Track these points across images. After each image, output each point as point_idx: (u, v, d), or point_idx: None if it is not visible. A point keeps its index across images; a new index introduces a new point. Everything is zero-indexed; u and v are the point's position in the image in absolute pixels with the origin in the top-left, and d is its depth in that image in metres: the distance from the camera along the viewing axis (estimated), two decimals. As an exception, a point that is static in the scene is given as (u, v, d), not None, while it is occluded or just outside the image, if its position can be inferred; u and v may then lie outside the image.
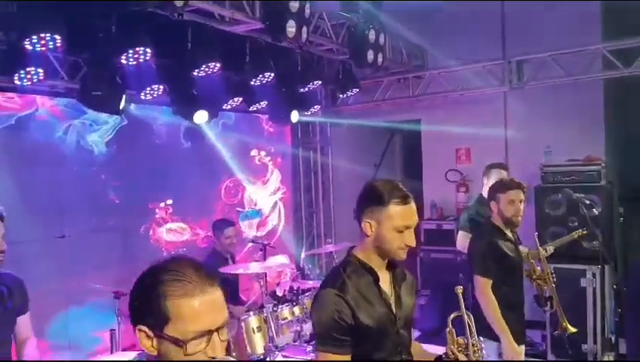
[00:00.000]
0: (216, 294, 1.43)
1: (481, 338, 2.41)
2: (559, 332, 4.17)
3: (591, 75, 6.11)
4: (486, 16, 6.92)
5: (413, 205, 2.20)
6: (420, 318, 6.64)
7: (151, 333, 1.39)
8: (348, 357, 2.14)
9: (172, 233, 6.19)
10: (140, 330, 1.40)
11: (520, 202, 3.75)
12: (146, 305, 1.39)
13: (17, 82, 4.07)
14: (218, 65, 4.83)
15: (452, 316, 2.39)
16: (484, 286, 3.63)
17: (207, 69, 4.84)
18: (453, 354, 2.28)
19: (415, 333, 4.68)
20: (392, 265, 2.32)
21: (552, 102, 6.50)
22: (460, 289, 2.38)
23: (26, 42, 3.79)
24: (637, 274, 5.56)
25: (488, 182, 4.99)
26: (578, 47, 6.08)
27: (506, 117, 7.17)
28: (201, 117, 5.44)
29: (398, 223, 2.16)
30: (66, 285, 4.92)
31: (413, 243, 2.20)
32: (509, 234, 3.82)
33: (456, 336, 2.34)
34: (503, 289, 3.66)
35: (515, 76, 6.56)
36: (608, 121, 6.57)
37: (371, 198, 2.21)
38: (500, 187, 3.84)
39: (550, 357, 5.89)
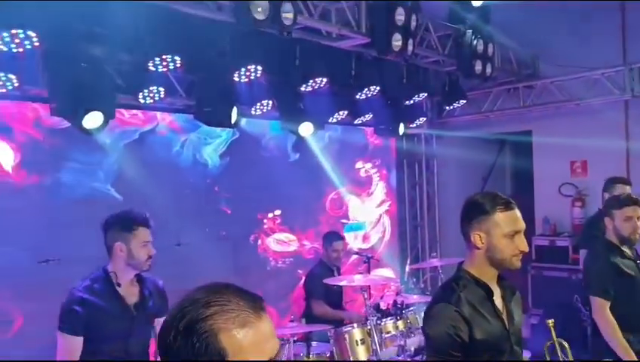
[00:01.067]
0: (268, 320, 1.27)
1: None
2: None
3: None
4: (603, 20, 6.53)
5: (517, 210, 2.20)
6: (531, 338, 6.33)
7: None
8: None
9: (280, 243, 6.38)
10: None
11: (638, 219, 3.49)
12: (195, 344, 1.19)
13: (141, 100, 4.41)
14: (325, 80, 4.96)
15: (547, 344, 2.32)
16: (601, 308, 3.42)
17: (314, 84, 4.98)
18: None
19: (526, 354, 4.49)
20: (501, 280, 2.27)
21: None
22: (551, 323, 2.31)
23: (150, 63, 4.11)
24: None
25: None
26: None
27: (628, 127, 6.70)
28: (306, 129, 5.58)
29: (506, 229, 2.15)
30: (179, 293, 5.19)
31: (526, 248, 2.19)
32: (627, 251, 3.57)
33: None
34: (622, 309, 3.42)
35: (637, 84, 6.13)
36: None
37: (476, 210, 2.21)
38: (615, 203, 3.60)
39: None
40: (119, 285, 2.97)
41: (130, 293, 3.02)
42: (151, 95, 4.40)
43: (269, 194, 6.19)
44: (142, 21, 3.90)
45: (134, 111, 5.15)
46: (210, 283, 1.29)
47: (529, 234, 7.22)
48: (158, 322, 3.14)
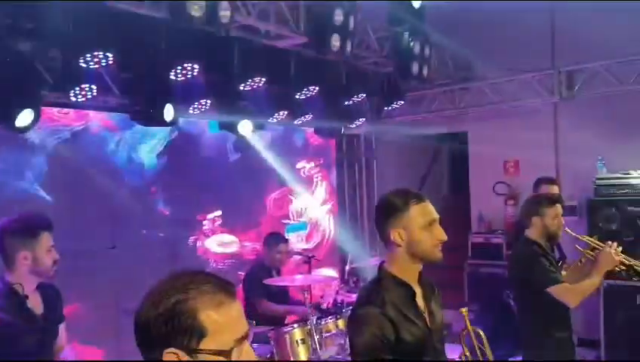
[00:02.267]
0: (239, 302, 1.42)
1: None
2: None
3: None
4: (535, 26, 6.78)
5: (428, 202, 2.25)
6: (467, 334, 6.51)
7: (184, 354, 1.30)
8: None
9: (220, 245, 6.30)
10: (171, 353, 1.31)
11: (561, 216, 3.66)
12: (176, 325, 1.31)
13: (72, 98, 4.25)
14: (264, 79, 4.92)
15: (462, 333, 2.38)
16: (561, 290, 3.48)
17: (252, 83, 4.94)
18: None
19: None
20: (421, 278, 2.29)
21: (604, 113, 6.29)
22: (464, 311, 2.37)
23: (81, 60, 3.96)
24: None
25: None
26: (630, 56, 5.89)
27: (557, 128, 6.99)
28: (246, 129, 5.54)
29: (423, 221, 2.18)
30: (115, 295, 5.05)
31: (444, 237, 2.21)
32: (548, 249, 3.72)
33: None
34: (550, 308, 3.54)
35: (565, 87, 6.40)
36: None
37: (391, 208, 2.22)
38: (545, 201, 3.74)
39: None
40: (27, 297, 2.76)
41: (35, 304, 2.83)
42: (83, 93, 4.24)
43: (208, 195, 6.10)
44: (73, 16, 3.76)
45: (66, 110, 4.97)
46: (185, 270, 1.41)
47: (465, 231, 7.50)
48: (62, 329, 3.02)
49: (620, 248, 3.50)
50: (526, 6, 6.36)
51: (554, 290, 3.47)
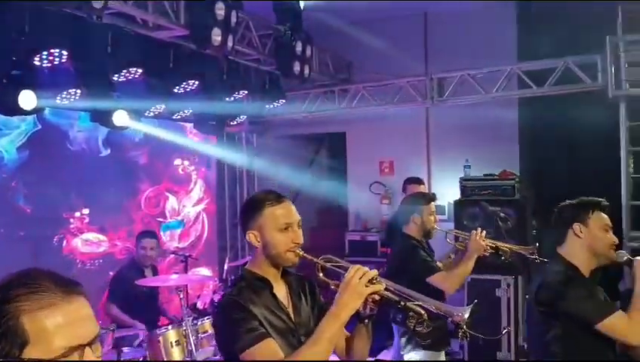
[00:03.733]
0: (83, 304, 1.22)
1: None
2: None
3: (506, 93, 6.40)
4: (410, 33, 7.13)
5: (289, 203, 2.23)
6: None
7: None
8: (269, 341, 2.03)
9: (88, 244, 5.93)
10: None
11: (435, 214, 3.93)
12: None
13: None
14: (140, 70, 4.70)
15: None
16: (440, 279, 3.72)
17: (127, 75, 4.70)
18: None
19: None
20: (286, 275, 2.30)
21: (471, 119, 6.74)
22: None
23: None
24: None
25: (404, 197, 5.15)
26: (495, 66, 6.37)
27: (428, 132, 7.38)
28: (120, 121, 5.26)
29: (278, 223, 2.16)
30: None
31: (300, 240, 2.20)
32: (424, 244, 3.99)
33: None
34: (429, 293, 3.74)
35: (436, 92, 6.76)
36: (523, 138, 6.90)
37: (248, 209, 2.24)
38: (422, 199, 3.97)
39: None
40: None
41: None
42: None
43: (76, 192, 5.72)
44: None
45: None
46: (27, 268, 1.22)
47: (342, 229, 7.70)
48: None
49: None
50: (403, 13, 6.67)
51: (433, 279, 3.71)
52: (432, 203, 3.98)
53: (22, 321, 1.13)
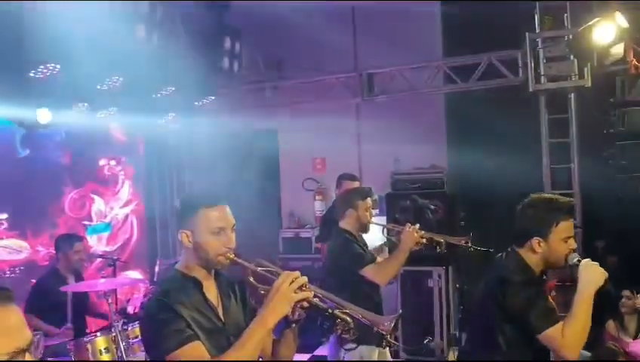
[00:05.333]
0: (16, 310, 1.23)
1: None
2: None
3: (432, 88, 6.55)
4: (339, 30, 7.15)
5: (225, 207, 2.19)
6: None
7: None
8: (197, 344, 2.01)
9: (7, 251, 5.60)
10: None
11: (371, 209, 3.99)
12: None
13: None
14: (58, 66, 4.47)
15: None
16: (372, 270, 3.77)
17: (45, 71, 4.46)
18: None
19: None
20: (217, 275, 2.26)
21: (400, 114, 6.86)
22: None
23: None
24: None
25: (340, 193, 5.17)
26: (421, 62, 6.50)
27: (359, 128, 7.45)
28: (40, 120, 5.00)
29: (210, 225, 2.13)
30: None
31: (232, 244, 2.17)
32: (359, 238, 4.03)
33: None
34: (364, 287, 3.79)
35: (366, 89, 6.83)
36: (451, 132, 7.08)
37: (184, 209, 2.21)
38: (358, 195, 4.01)
39: (402, 354, 6.19)
40: None
41: None
42: None
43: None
44: None
45: None
46: None
47: (276, 227, 7.65)
48: None
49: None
50: (331, 10, 6.69)
51: (366, 271, 3.75)
52: (368, 198, 4.02)
53: None
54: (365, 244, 4.17)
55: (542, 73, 5.84)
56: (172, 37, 5.35)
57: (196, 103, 6.64)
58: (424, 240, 3.88)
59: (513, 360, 2.57)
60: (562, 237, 2.60)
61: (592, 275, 2.48)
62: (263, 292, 2.10)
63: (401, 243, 3.83)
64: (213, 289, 2.22)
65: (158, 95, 5.98)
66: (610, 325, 4.53)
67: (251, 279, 2.23)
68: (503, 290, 2.58)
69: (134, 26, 4.29)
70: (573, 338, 2.42)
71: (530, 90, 5.93)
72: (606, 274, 2.47)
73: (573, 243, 2.64)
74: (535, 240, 2.61)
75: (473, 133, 7.09)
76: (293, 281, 2.01)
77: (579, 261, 2.55)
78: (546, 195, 2.83)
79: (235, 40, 5.74)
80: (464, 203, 6.99)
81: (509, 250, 2.75)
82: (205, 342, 2.06)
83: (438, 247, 4.03)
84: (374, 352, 3.92)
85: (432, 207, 5.57)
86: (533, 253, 2.64)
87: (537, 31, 5.93)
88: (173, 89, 6.02)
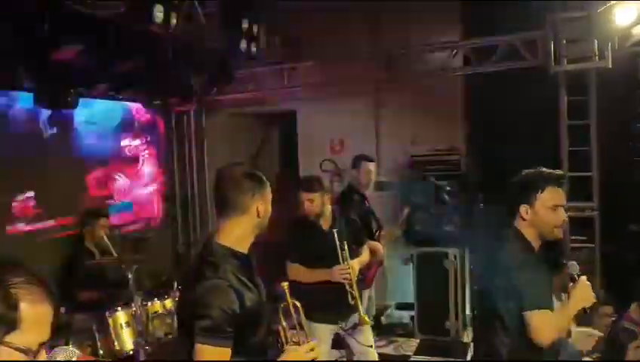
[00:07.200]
0: (49, 309, 1.31)
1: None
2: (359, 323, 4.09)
3: (451, 70, 6.51)
4: (358, 10, 7.12)
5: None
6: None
7: None
8: (229, 351, 2.09)
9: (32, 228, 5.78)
10: None
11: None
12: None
13: None
14: (81, 47, 4.57)
15: (281, 306, 2.46)
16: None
17: (67, 52, 4.57)
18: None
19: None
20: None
21: (418, 96, 6.85)
22: (285, 285, 2.48)
23: None
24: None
25: (358, 174, 5.25)
26: (441, 43, 6.47)
27: (377, 108, 7.46)
28: (65, 101, 5.13)
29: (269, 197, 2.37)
30: None
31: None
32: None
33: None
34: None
35: (384, 70, 6.79)
36: (469, 114, 7.05)
37: (256, 181, 2.33)
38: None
39: (417, 334, 6.27)
40: None
41: None
42: None
43: (17, 175, 5.54)
44: None
45: None
46: (15, 261, 1.30)
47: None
48: None
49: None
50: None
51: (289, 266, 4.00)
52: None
53: (22, 308, 1.22)
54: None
55: (562, 55, 5.77)
56: (191, 19, 5.40)
57: (215, 85, 6.71)
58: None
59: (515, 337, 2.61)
60: (549, 204, 2.63)
61: (585, 295, 2.56)
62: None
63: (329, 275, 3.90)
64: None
65: (179, 77, 6.06)
66: (635, 308, 4.52)
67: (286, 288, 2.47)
68: (504, 269, 2.62)
69: (151, 9, 4.34)
70: (550, 331, 2.52)
71: (551, 71, 5.87)
72: (594, 300, 2.56)
73: (562, 214, 2.66)
74: (523, 208, 2.67)
75: (492, 115, 7.06)
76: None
77: (578, 276, 2.61)
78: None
79: (253, 21, 5.76)
80: (483, 186, 6.99)
81: (509, 227, 2.77)
82: (254, 315, 2.21)
83: None
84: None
85: (448, 188, 5.62)
86: (526, 224, 2.68)
87: (558, 11, 5.85)
88: (193, 71, 6.09)
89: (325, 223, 4.04)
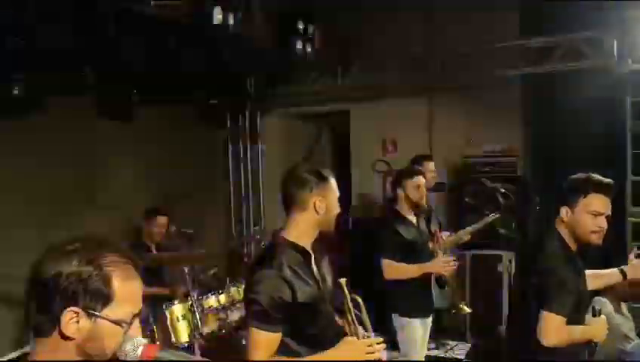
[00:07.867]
0: (139, 282, 1.44)
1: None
2: (455, 312, 4.41)
3: (510, 70, 6.35)
4: (412, 10, 7.05)
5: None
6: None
7: (84, 315, 1.31)
8: (279, 336, 2.23)
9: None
10: (72, 311, 1.31)
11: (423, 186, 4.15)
12: (86, 284, 1.31)
13: None
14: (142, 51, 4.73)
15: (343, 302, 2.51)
16: (387, 266, 4.00)
17: (132, 56, 4.73)
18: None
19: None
20: (313, 245, 2.43)
21: (473, 96, 6.73)
22: (344, 281, 2.51)
23: None
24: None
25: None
26: (498, 43, 6.33)
27: (431, 108, 7.37)
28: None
29: (336, 194, 2.44)
30: None
31: (339, 210, 2.46)
32: (410, 218, 4.15)
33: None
34: None
35: (439, 69, 6.71)
36: (527, 115, 6.88)
37: (315, 178, 2.38)
38: (405, 174, 4.19)
39: (469, 338, 6.18)
40: None
41: None
42: None
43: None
44: None
45: None
46: (89, 235, 1.42)
47: (347, 208, 7.71)
48: None
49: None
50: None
51: (384, 262, 4.03)
52: (420, 176, 4.16)
53: (113, 285, 1.35)
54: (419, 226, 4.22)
55: (627, 54, 5.56)
56: (248, 20, 5.49)
57: (270, 86, 6.79)
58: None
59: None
60: (590, 210, 2.65)
61: (600, 331, 2.68)
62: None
63: (430, 265, 4.00)
64: (312, 259, 2.43)
65: (234, 77, 6.17)
66: None
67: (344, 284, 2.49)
68: (540, 269, 2.67)
69: (210, 10, 4.45)
70: (554, 338, 2.58)
71: (614, 71, 5.66)
72: (604, 338, 2.68)
73: (602, 222, 2.66)
74: (563, 209, 2.71)
75: (551, 116, 6.86)
76: (371, 352, 2.29)
77: (599, 312, 2.72)
78: None
79: (308, 22, 5.81)
80: (541, 188, 6.81)
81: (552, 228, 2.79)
82: (308, 308, 2.30)
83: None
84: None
85: (503, 190, 5.51)
86: (564, 225, 2.73)
87: (623, 10, 5.64)
88: (249, 71, 6.19)
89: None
